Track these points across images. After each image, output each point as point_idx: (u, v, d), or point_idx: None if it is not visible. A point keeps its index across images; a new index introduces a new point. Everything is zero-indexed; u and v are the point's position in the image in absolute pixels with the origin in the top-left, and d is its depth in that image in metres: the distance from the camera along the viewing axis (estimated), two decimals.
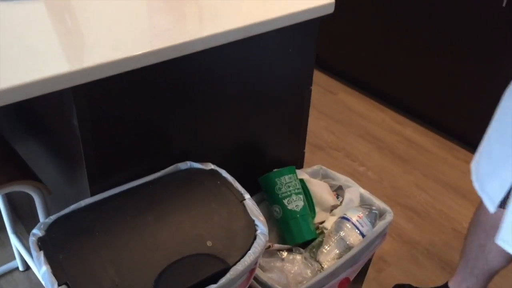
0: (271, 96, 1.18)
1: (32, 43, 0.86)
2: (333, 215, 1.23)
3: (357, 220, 1.14)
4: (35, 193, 1.06)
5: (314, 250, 1.13)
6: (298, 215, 1.15)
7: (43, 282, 0.77)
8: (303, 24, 1.08)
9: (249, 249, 0.83)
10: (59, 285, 0.74)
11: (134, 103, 0.93)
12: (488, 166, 1.00)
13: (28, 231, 0.85)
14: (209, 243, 0.83)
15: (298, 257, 1.08)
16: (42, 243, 0.81)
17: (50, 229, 0.84)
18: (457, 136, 2.19)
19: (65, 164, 1.07)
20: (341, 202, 1.25)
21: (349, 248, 1.11)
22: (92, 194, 0.94)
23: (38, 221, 0.98)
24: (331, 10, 1.10)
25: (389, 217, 1.19)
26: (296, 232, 1.14)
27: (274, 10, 1.02)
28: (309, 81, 1.26)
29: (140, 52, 0.85)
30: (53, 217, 0.86)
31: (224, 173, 0.98)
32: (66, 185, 1.11)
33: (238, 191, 0.94)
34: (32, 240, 0.81)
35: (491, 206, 0.98)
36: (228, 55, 1.02)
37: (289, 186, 1.16)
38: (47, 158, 1.16)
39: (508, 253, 1.07)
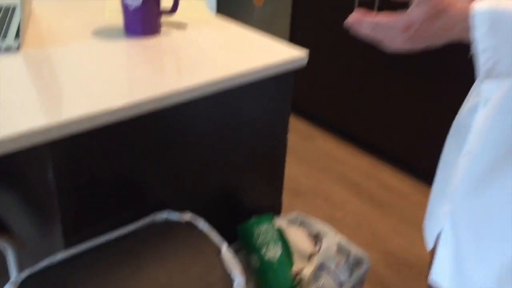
0: (248, 145, 1.20)
1: (9, 96, 0.86)
2: (311, 262, 1.22)
3: (334, 268, 1.14)
4: (6, 246, 1.04)
5: None
6: (275, 265, 1.14)
7: None
8: (278, 76, 1.11)
9: None
10: None
11: (112, 155, 0.94)
12: (430, 203, 1.03)
13: (1, 287, 0.83)
14: None
15: None
16: None
17: (23, 286, 0.82)
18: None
19: (39, 217, 1.06)
20: (319, 250, 1.25)
21: None
22: (67, 247, 0.92)
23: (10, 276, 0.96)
24: (304, 63, 1.14)
25: (366, 264, 1.19)
26: (274, 282, 1.14)
27: (250, 64, 1.06)
28: (285, 130, 1.29)
29: (118, 106, 0.86)
30: (25, 273, 0.84)
31: (201, 224, 0.98)
32: (40, 238, 1.09)
33: (215, 243, 0.93)
34: None
35: (430, 243, 1.00)
36: (205, 106, 1.04)
37: (266, 235, 1.16)
38: (20, 209, 1.14)
39: None
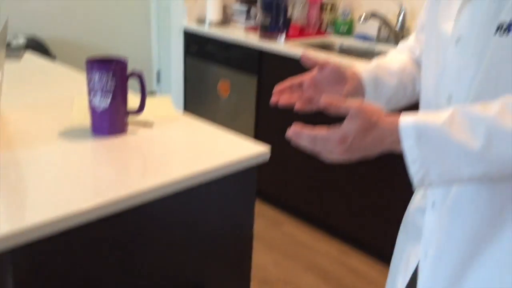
0: (213, 239, 1.20)
1: None
2: None
3: None
4: None
5: None
6: None
7: None
8: (242, 171, 1.15)
9: None
10: None
11: (75, 258, 0.93)
12: None
13: None
14: None
15: None
16: None
17: None
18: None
19: None
20: None
21: None
22: None
23: None
24: (266, 158, 1.18)
25: None
26: None
27: (214, 161, 1.09)
28: (251, 221, 1.30)
29: (82, 209, 0.87)
30: None
31: None
32: None
33: None
34: None
35: None
36: (171, 204, 1.05)
37: None
38: None
39: None
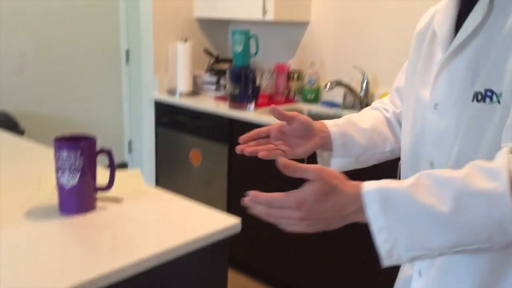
0: None
1: None
2: None
3: None
4: None
5: None
6: None
7: None
8: (213, 244, 1.13)
9: None
10: None
11: None
12: None
13: None
14: None
15: None
16: None
17: None
18: None
19: None
20: None
21: None
22: None
23: None
24: (238, 229, 1.18)
25: None
26: None
27: (186, 236, 1.08)
28: None
29: None
30: None
31: None
32: None
33: None
34: None
35: None
36: (142, 282, 1.03)
37: None
38: None
39: None
